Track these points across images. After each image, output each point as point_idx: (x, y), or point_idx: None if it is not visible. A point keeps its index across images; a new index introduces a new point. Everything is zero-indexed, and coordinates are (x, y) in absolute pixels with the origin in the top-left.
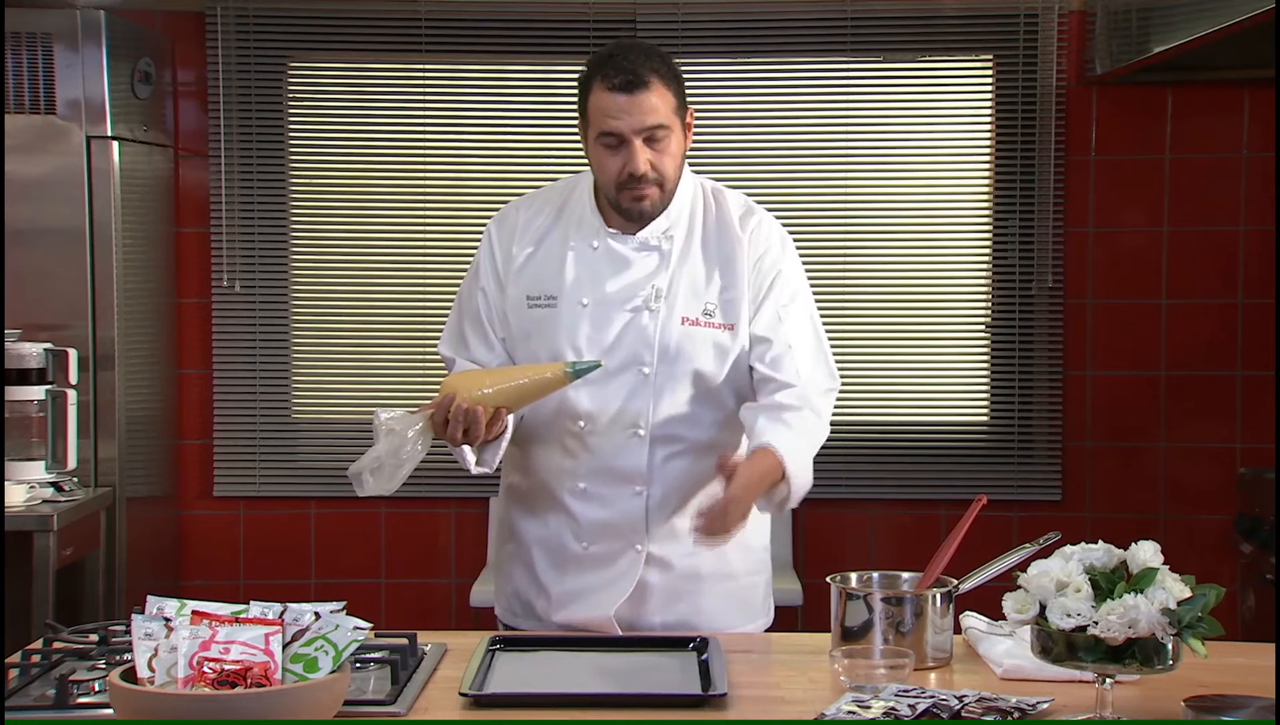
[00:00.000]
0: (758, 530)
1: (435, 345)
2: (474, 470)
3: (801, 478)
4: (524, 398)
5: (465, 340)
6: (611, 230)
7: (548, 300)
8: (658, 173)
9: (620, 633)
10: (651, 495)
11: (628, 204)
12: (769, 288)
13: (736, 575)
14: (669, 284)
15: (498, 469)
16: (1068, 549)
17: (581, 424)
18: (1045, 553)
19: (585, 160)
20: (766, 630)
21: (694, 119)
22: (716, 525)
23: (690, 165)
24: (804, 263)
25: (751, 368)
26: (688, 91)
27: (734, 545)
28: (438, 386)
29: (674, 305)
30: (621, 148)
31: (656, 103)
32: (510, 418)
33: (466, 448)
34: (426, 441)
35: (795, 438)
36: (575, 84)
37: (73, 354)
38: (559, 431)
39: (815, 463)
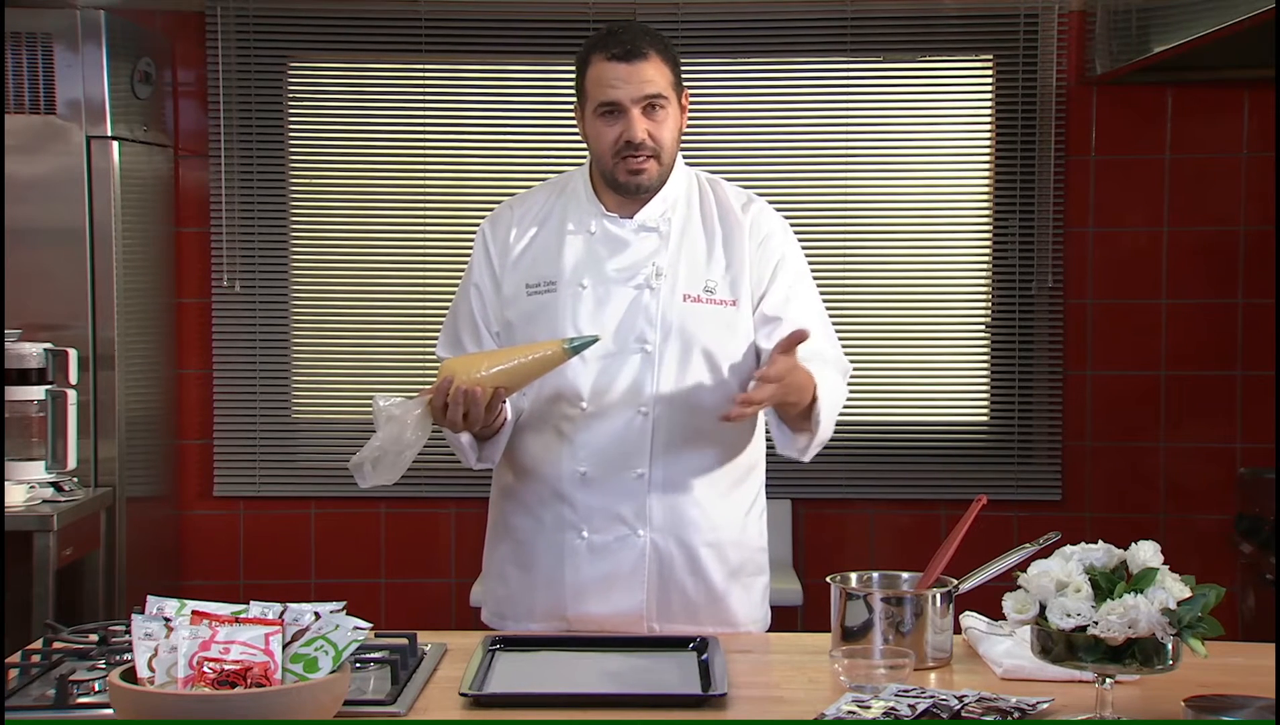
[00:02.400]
0: (756, 531)
1: (435, 345)
2: (475, 465)
3: (827, 418)
4: (523, 377)
5: (459, 339)
6: (609, 213)
7: (547, 286)
8: (655, 143)
9: (648, 629)
10: (653, 479)
11: (624, 177)
12: (775, 270)
13: (739, 574)
14: (669, 262)
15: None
16: (1068, 549)
17: (584, 405)
18: (1045, 553)
19: (585, 160)
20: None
21: (689, 102)
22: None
23: (689, 162)
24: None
25: (761, 350)
26: (688, 90)
27: (732, 544)
28: None
29: (675, 283)
30: (619, 117)
31: (654, 74)
32: (510, 411)
33: (467, 438)
34: (427, 427)
35: (826, 371)
36: (574, 84)
37: (73, 354)
38: (555, 417)
39: (816, 462)
